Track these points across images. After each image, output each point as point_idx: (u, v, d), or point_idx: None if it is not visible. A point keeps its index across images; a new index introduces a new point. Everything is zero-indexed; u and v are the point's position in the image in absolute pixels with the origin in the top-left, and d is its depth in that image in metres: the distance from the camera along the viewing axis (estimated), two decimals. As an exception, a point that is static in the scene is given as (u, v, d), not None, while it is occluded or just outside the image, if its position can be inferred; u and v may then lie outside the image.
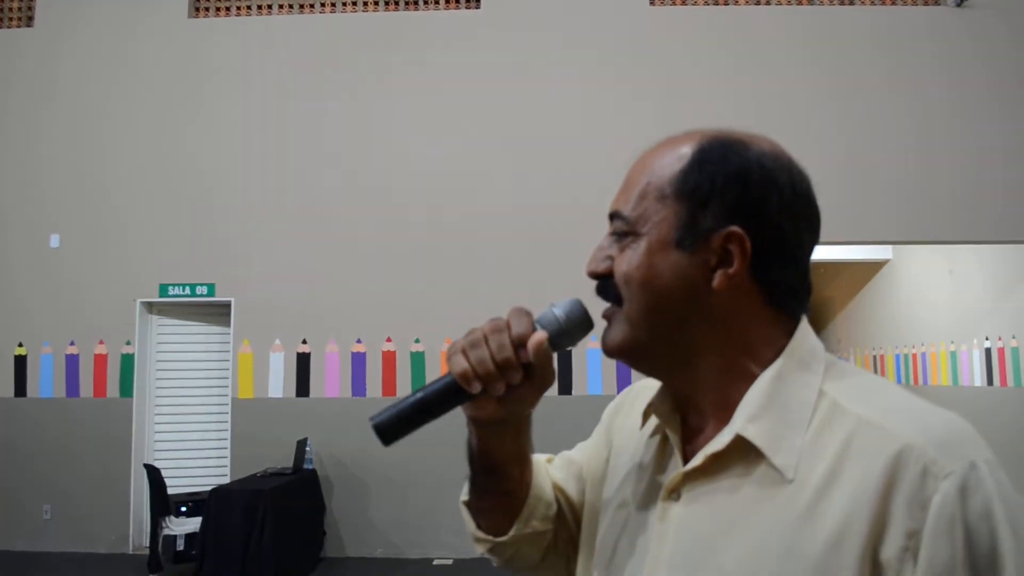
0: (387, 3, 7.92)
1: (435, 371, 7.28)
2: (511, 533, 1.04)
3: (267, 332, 7.46)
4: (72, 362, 7.67)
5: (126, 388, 7.58)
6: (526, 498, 1.04)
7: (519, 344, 0.88)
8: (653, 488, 0.93)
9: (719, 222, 0.85)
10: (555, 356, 0.90)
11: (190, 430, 7.72)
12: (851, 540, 0.75)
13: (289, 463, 7.08)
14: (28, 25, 8.24)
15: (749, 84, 7.38)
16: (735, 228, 0.84)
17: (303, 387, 7.42)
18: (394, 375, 7.33)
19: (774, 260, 0.86)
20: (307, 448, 7.05)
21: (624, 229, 0.89)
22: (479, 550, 1.09)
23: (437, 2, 7.90)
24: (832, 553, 0.76)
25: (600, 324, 0.93)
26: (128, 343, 7.60)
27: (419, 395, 0.90)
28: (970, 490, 0.73)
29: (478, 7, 7.79)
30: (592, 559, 1.00)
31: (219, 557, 5.96)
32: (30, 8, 8.27)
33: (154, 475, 6.68)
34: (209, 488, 7.29)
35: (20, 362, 7.74)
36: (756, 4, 7.64)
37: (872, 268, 10.46)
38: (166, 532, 6.64)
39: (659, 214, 0.87)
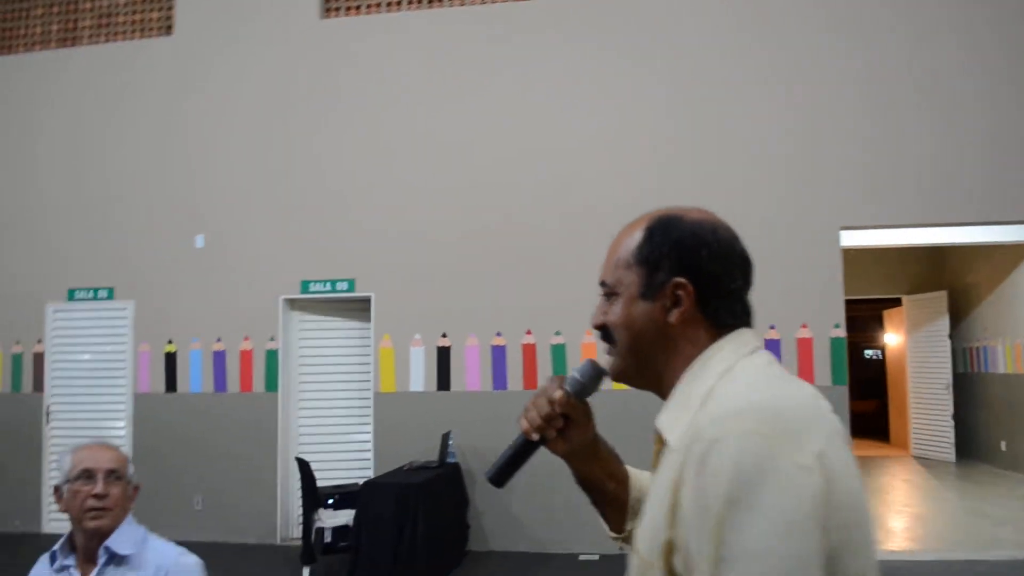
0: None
1: (575, 363, 7.14)
2: (628, 528, 1.38)
3: (407, 326, 7.49)
4: (219, 358, 7.89)
5: (271, 383, 7.74)
6: (628, 501, 1.39)
7: (551, 402, 1.31)
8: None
9: (668, 276, 1.19)
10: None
11: (333, 423, 7.83)
12: (667, 485, 1.07)
13: (431, 456, 7.09)
14: (167, 34, 8.50)
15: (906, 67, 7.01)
16: (680, 279, 1.19)
17: (444, 381, 7.42)
18: (535, 368, 7.26)
19: (712, 296, 1.19)
20: (450, 442, 7.04)
21: (609, 291, 1.25)
22: (617, 546, 1.43)
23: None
24: (663, 493, 1.07)
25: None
26: (272, 339, 7.76)
27: (508, 452, 1.34)
28: (715, 452, 0.99)
29: (609, -8, 7.64)
30: None
31: (372, 549, 5.99)
32: (169, 19, 8.53)
33: (305, 468, 6.77)
34: (353, 481, 7.41)
35: (171, 359, 8.00)
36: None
37: (1021, 251, 9.85)
38: (316, 525, 6.72)
39: (628, 278, 1.22)
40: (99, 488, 2.17)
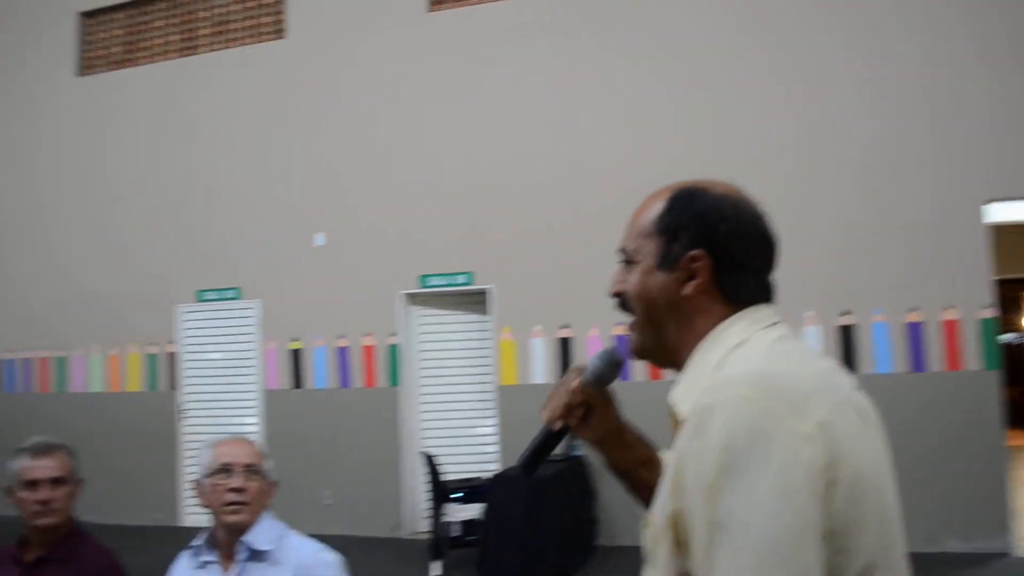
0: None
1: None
2: None
3: (527, 318, 7.42)
4: (343, 354, 8.00)
5: (394, 377, 7.80)
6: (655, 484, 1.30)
7: (572, 391, 1.34)
8: None
9: (686, 248, 1.17)
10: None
11: (456, 417, 7.83)
12: (672, 456, 1.07)
13: (556, 449, 6.98)
14: (280, 37, 8.65)
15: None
16: (697, 252, 1.16)
17: (566, 372, 7.30)
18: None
19: (729, 271, 1.17)
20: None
21: (627, 259, 1.24)
22: None
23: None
24: (671, 466, 1.06)
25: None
26: (393, 334, 7.82)
27: (534, 443, 1.39)
28: (708, 419, 0.99)
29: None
30: None
31: (501, 544, 5.93)
32: (280, 23, 8.68)
33: (431, 462, 6.79)
34: (478, 475, 7.38)
35: (296, 355, 8.16)
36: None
37: None
38: (443, 519, 6.73)
39: (646, 247, 1.21)
40: (237, 482, 2.17)
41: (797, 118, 6.94)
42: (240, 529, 2.17)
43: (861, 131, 6.76)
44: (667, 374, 1.22)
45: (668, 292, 1.18)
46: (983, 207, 6.53)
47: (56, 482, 2.42)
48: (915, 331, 6.57)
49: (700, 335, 1.17)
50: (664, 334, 1.20)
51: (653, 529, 1.10)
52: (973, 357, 6.46)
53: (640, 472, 1.39)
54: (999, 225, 6.77)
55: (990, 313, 6.50)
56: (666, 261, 1.19)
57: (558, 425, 1.34)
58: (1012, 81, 6.53)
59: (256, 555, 2.15)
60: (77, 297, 9.04)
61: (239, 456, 2.22)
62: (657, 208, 1.23)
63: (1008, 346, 16.11)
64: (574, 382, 1.34)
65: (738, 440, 0.96)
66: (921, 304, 6.57)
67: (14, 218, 9.45)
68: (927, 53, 6.71)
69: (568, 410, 1.34)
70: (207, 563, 2.21)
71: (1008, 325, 15.50)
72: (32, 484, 2.41)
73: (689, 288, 1.17)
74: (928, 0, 6.77)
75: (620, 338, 7.10)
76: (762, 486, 0.94)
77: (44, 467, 2.43)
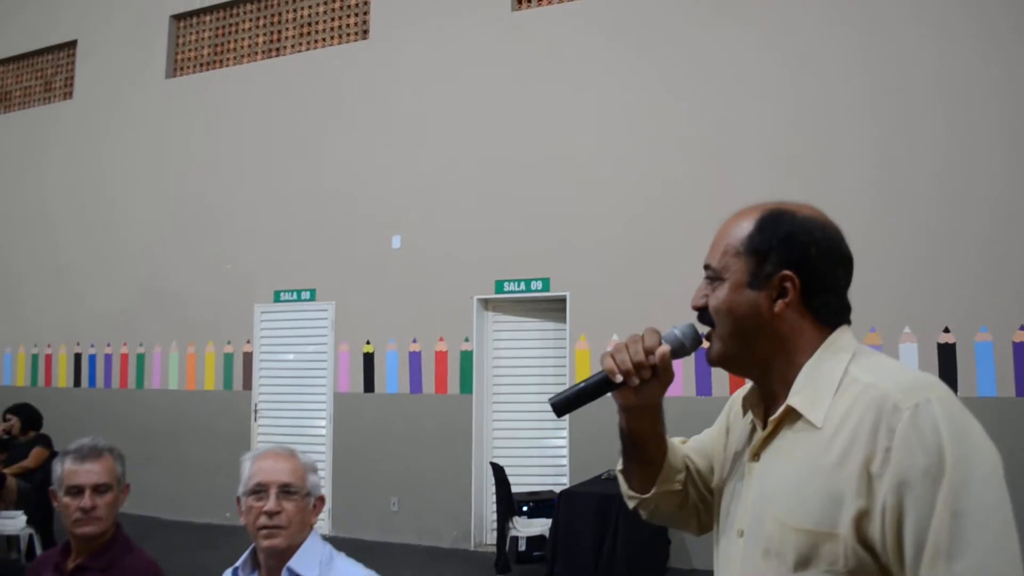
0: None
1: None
2: (653, 491, 1.47)
3: (604, 326, 7.12)
4: (415, 359, 7.86)
5: (466, 384, 7.62)
6: (664, 466, 1.45)
7: (649, 352, 1.30)
8: (745, 456, 1.33)
9: (776, 268, 1.25)
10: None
11: (528, 427, 7.59)
12: (853, 458, 1.11)
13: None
14: (365, 38, 8.61)
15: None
16: (788, 272, 1.24)
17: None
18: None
19: (816, 291, 1.26)
20: (650, 450, 6.61)
21: (712, 276, 1.30)
22: (629, 505, 1.52)
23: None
24: (838, 468, 1.12)
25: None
26: (467, 340, 7.64)
27: (582, 384, 1.34)
28: (922, 416, 1.07)
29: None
30: (718, 516, 1.40)
31: (570, 562, 5.67)
32: (365, 23, 8.64)
33: (500, 474, 6.57)
34: (549, 488, 7.14)
35: (368, 359, 8.06)
36: None
37: None
38: (511, 533, 6.50)
39: (736, 265, 1.28)
40: (270, 505, 1.97)
41: (879, 127, 6.50)
42: (277, 553, 1.98)
43: (937, 140, 6.31)
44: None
45: (757, 309, 1.25)
46: None
47: (99, 489, 2.31)
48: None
49: (792, 350, 1.25)
50: (750, 347, 1.27)
51: (809, 530, 1.13)
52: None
53: (651, 446, 1.42)
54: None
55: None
56: (756, 280, 1.25)
57: (619, 379, 1.30)
58: None
59: None
60: (157, 294, 9.16)
61: (275, 474, 2.01)
62: (746, 228, 1.28)
63: None
64: (663, 347, 1.30)
65: (961, 428, 1.07)
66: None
67: (100, 216, 9.66)
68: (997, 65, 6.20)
69: (638, 368, 1.29)
70: None
71: None
72: (75, 490, 2.30)
73: (779, 306, 1.24)
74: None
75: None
76: (988, 471, 1.05)
77: (88, 472, 2.32)
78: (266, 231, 8.65)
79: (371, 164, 8.23)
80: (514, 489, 6.76)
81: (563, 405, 1.33)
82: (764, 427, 1.28)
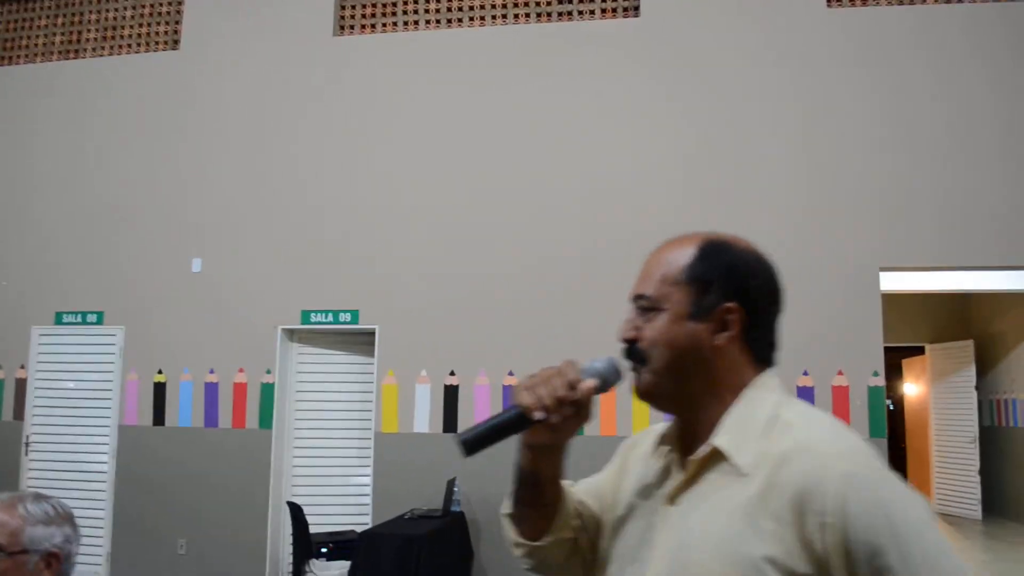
0: (539, 16, 7.48)
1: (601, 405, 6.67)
2: (548, 538, 1.35)
3: (413, 362, 7.01)
4: (211, 390, 7.40)
5: (266, 419, 7.24)
6: (559, 510, 1.34)
7: (571, 387, 1.20)
8: (657, 499, 1.25)
9: (719, 300, 1.20)
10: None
11: (330, 464, 7.31)
12: (784, 518, 1.08)
13: (434, 503, 6.58)
14: (174, 48, 8.14)
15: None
16: (731, 304, 1.20)
17: (451, 422, 6.92)
18: (548, 411, 6.75)
19: (754, 326, 1.22)
20: (455, 489, 6.54)
21: (647, 306, 1.24)
22: (516, 553, 1.39)
23: (592, 13, 7.41)
24: (765, 520, 1.09)
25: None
26: (268, 372, 7.28)
27: (494, 421, 1.22)
28: (864, 487, 1.06)
29: (636, 15, 7.27)
30: (612, 559, 1.30)
31: (368, 607, 5.47)
32: (176, 32, 8.18)
33: (297, 514, 6.28)
34: (350, 528, 6.90)
35: (159, 389, 7.52)
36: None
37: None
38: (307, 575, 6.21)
39: (675, 295, 1.22)
40: None
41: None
42: None
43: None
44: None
45: (698, 342, 1.20)
46: (879, 274, 6.55)
47: None
48: (807, 395, 6.48)
49: (727, 388, 1.21)
50: (684, 382, 1.22)
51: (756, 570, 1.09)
52: (861, 423, 6.40)
53: (548, 489, 1.33)
54: (888, 294, 6.80)
55: (880, 381, 6.47)
56: (699, 311, 1.21)
57: (539, 416, 1.20)
58: (887, 162, 6.61)
59: None
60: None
61: None
62: (686, 255, 1.24)
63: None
64: (588, 382, 1.22)
65: (906, 498, 1.09)
66: (811, 368, 6.50)
67: None
68: (814, 132, 6.74)
69: (559, 404, 1.20)
70: None
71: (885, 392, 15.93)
72: None
73: (721, 340, 1.20)
74: (815, 78, 6.82)
75: (510, 389, 6.77)
76: (934, 527, 1.08)
77: None
78: (49, 245, 7.91)
79: (170, 180, 7.73)
80: (315, 529, 6.48)
81: (473, 443, 1.22)
82: (683, 468, 1.22)
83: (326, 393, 7.40)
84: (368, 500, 7.09)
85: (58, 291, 7.82)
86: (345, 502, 7.24)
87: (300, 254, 7.33)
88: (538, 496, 1.33)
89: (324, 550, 6.42)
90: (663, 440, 1.31)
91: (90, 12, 8.50)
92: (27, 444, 7.74)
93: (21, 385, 7.86)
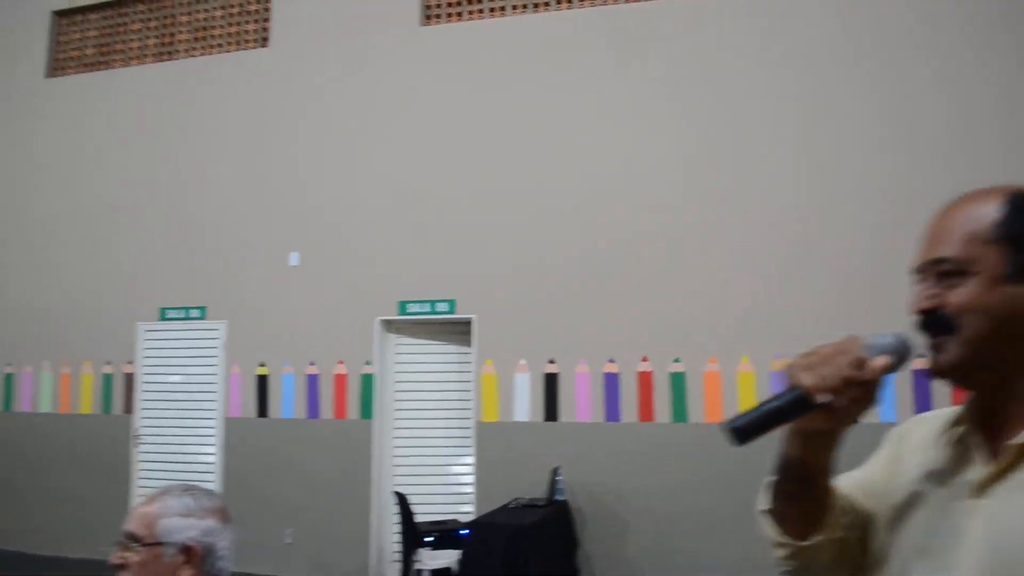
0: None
1: (696, 393, 6.53)
2: (817, 537, 1.20)
3: (512, 351, 6.96)
4: (312, 382, 7.49)
5: (366, 409, 7.30)
6: (829, 506, 1.20)
7: (858, 366, 1.06)
8: (956, 490, 1.10)
9: None
10: None
11: (431, 454, 7.33)
12: None
13: (537, 492, 6.53)
14: (264, 46, 8.24)
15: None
16: None
17: (551, 410, 6.86)
18: (651, 398, 6.64)
19: None
20: (559, 477, 6.47)
21: (951, 269, 1.10)
22: (777, 555, 1.25)
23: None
24: None
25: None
26: (368, 363, 7.33)
27: (770, 405, 1.10)
28: None
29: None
30: (892, 555, 1.16)
31: (479, 597, 5.44)
32: (265, 30, 8.27)
33: (403, 503, 6.30)
34: (451, 516, 6.90)
35: (262, 382, 7.64)
36: None
37: None
38: (416, 566, 6.23)
39: (987, 256, 1.08)
40: (116, 557, 1.75)
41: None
42: None
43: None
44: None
45: (1018, 307, 1.07)
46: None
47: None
48: None
49: None
50: (999, 354, 1.09)
51: None
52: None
53: (821, 481, 1.19)
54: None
55: None
56: (1017, 271, 1.08)
57: (823, 399, 1.07)
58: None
59: None
60: (28, 310, 8.47)
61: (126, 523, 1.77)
62: (992, 212, 1.11)
63: None
64: (880, 360, 1.08)
65: None
66: None
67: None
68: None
69: (846, 385, 1.07)
70: None
71: None
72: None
73: None
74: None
75: (610, 376, 6.67)
76: None
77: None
78: (152, 244, 8.11)
79: (267, 176, 7.85)
80: (419, 518, 6.49)
81: (746, 431, 1.10)
82: (993, 455, 1.09)
83: (425, 383, 7.41)
84: (468, 489, 7.09)
85: (162, 288, 8.01)
86: (446, 491, 7.25)
87: (397, 246, 7.35)
88: (807, 490, 1.20)
89: (429, 539, 6.43)
90: (956, 423, 1.17)
91: (182, 14, 8.67)
92: (136, 437, 7.96)
93: (129, 380, 8.08)
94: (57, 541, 7.83)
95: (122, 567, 1.73)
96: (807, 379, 1.07)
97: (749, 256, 6.55)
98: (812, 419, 1.10)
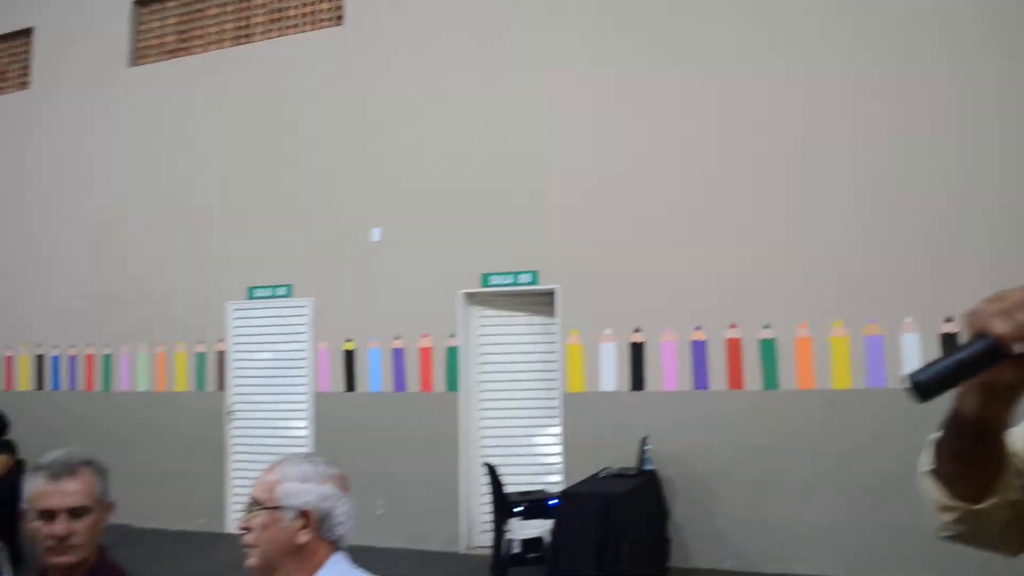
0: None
1: (787, 359, 6.40)
2: (991, 500, 1.11)
3: (596, 321, 6.92)
4: (398, 356, 7.58)
5: (452, 381, 7.37)
6: (1004, 467, 1.10)
7: None
8: None
9: None
10: None
11: (518, 425, 7.36)
12: None
13: (625, 462, 6.50)
14: (338, 24, 8.29)
15: None
16: None
17: (638, 380, 6.81)
18: (739, 366, 6.53)
19: None
20: (647, 447, 6.43)
21: None
22: (943, 519, 1.15)
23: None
24: None
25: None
26: (452, 335, 7.38)
27: (958, 357, 0.98)
28: None
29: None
30: None
31: (574, 565, 5.44)
32: (339, 8, 8.32)
33: (493, 474, 6.34)
34: (538, 487, 6.93)
35: (349, 357, 7.77)
36: None
37: None
38: (507, 535, 6.28)
39: None
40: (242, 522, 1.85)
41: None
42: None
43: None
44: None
45: None
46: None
47: (76, 512, 1.96)
48: None
49: None
50: None
51: None
52: None
53: (998, 440, 1.10)
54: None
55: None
56: None
57: (1021, 348, 0.96)
58: None
59: None
60: (123, 292, 8.77)
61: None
62: None
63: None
64: None
65: None
66: None
67: (61, 209, 9.22)
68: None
69: None
70: None
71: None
72: (47, 514, 1.94)
73: None
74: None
75: (698, 344, 6.58)
76: None
77: (62, 493, 1.95)
78: (238, 225, 8.30)
79: (347, 154, 7.93)
80: (507, 489, 6.53)
81: (931, 385, 0.98)
82: None
83: (509, 355, 7.43)
84: (555, 460, 7.10)
85: (249, 267, 8.20)
86: (533, 462, 7.28)
87: (477, 219, 7.36)
88: (983, 449, 1.10)
89: (519, 509, 6.46)
90: None
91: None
92: (230, 413, 8.19)
93: (221, 358, 8.31)
94: (157, 514, 8.14)
95: (247, 530, 1.78)
96: (1001, 326, 0.96)
97: (842, 218, 6.36)
98: (1001, 371, 0.99)
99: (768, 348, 6.46)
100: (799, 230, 6.45)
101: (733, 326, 6.56)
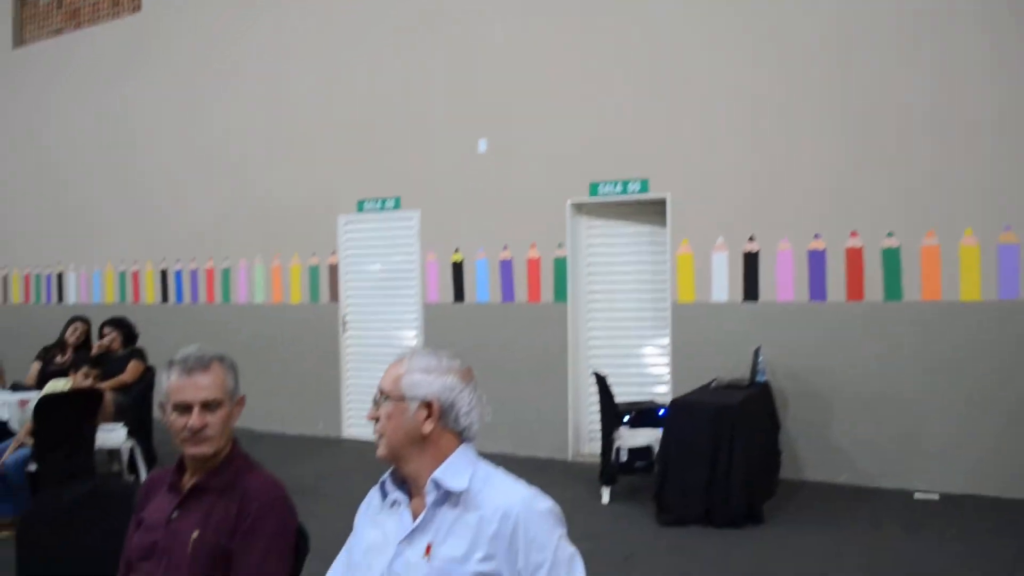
0: None
1: (912, 270, 6.09)
2: None
3: (708, 230, 6.74)
4: (506, 267, 7.60)
5: (560, 292, 7.35)
6: None
7: None
8: None
9: None
10: None
11: (626, 336, 7.32)
12: None
13: (735, 374, 6.38)
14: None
15: None
16: None
17: (751, 290, 6.63)
18: (860, 276, 6.25)
19: None
20: (760, 358, 6.28)
21: None
22: None
23: None
24: None
25: None
26: (560, 246, 7.33)
27: None
28: None
29: None
30: None
31: (684, 474, 5.43)
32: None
33: (603, 384, 6.33)
34: (649, 398, 6.90)
35: (457, 268, 7.83)
36: None
37: None
38: (616, 444, 6.29)
39: None
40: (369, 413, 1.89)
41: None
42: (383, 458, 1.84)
43: None
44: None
45: None
46: None
47: (209, 405, 2.04)
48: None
49: None
50: None
51: None
52: None
53: None
54: None
55: None
56: None
57: None
58: None
59: (450, 497, 1.74)
60: (240, 209, 9.06)
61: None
62: None
63: None
64: None
65: None
66: None
67: (180, 133, 9.52)
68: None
69: None
70: (396, 503, 1.83)
71: None
72: (182, 407, 2.03)
73: None
74: None
75: (816, 254, 6.34)
76: None
77: (196, 387, 2.04)
78: (347, 139, 8.39)
79: (452, 65, 7.85)
80: (616, 399, 6.52)
81: None
82: None
83: (618, 265, 7.34)
84: (663, 371, 7.05)
85: (359, 181, 8.30)
86: (641, 372, 7.25)
87: (585, 126, 7.20)
88: None
89: (627, 418, 6.46)
90: None
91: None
92: (344, 323, 8.43)
93: (334, 271, 8.52)
94: (278, 419, 8.52)
95: (375, 420, 1.82)
96: None
97: (972, 122, 5.93)
98: None
99: (892, 257, 6.16)
100: (929, 135, 6.05)
101: (854, 234, 6.26)
